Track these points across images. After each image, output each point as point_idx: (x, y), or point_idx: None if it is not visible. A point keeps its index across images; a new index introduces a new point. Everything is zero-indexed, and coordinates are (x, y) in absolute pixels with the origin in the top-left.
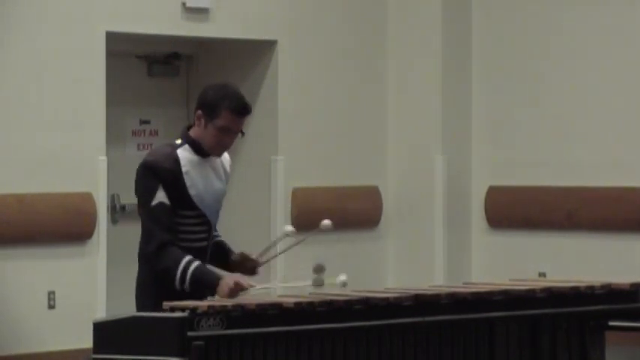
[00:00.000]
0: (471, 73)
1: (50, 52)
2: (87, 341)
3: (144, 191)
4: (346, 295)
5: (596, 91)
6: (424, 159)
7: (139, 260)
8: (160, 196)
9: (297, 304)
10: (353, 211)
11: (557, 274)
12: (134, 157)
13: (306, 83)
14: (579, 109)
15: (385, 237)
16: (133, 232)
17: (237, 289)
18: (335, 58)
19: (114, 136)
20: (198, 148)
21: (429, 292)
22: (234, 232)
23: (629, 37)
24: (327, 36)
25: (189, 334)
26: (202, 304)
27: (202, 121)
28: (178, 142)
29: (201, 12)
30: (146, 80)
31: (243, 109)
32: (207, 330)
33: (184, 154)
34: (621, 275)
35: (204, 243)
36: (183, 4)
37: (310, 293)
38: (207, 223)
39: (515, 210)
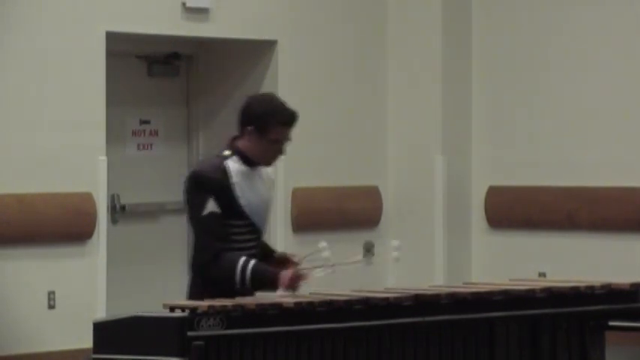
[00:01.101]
0: (471, 73)
1: (50, 52)
2: (87, 341)
3: (194, 203)
4: (346, 295)
5: (596, 91)
6: (424, 159)
7: (191, 268)
8: (211, 206)
9: (297, 304)
10: (353, 211)
11: (557, 274)
12: (134, 157)
13: (306, 83)
14: (579, 110)
15: (385, 237)
16: (133, 232)
17: (298, 278)
18: (335, 58)
19: (114, 136)
20: (246, 159)
21: (429, 292)
22: None
23: (629, 37)
24: (327, 36)
25: (189, 334)
26: (202, 304)
27: (254, 136)
28: (227, 153)
29: (201, 12)
30: (146, 80)
31: (293, 120)
32: (207, 330)
33: (234, 165)
34: (621, 275)
35: (254, 251)
36: (183, 4)
37: (311, 293)
38: (256, 232)
39: (515, 210)
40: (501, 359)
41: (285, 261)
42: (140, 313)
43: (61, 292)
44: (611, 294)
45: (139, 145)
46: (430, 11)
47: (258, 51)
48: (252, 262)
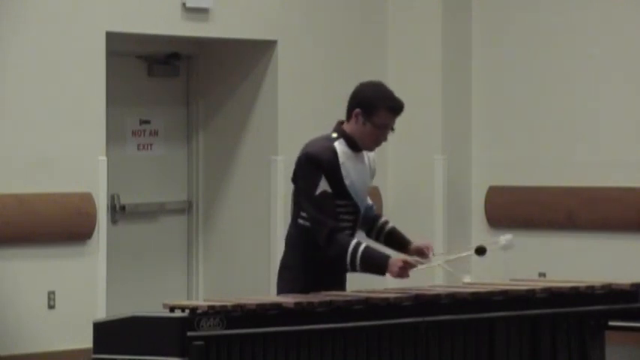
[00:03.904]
0: (471, 73)
1: (50, 52)
2: (87, 341)
3: (307, 181)
4: (346, 295)
5: (596, 91)
6: (424, 159)
7: (286, 244)
8: (323, 185)
9: (297, 304)
10: None
11: (557, 274)
12: (134, 157)
13: (306, 83)
14: (579, 109)
15: None
16: (133, 232)
17: (407, 266)
18: (335, 58)
19: (114, 136)
20: (351, 143)
21: (429, 292)
22: (234, 231)
23: (629, 37)
24: (327, 36)
25: (189, 334)
26: (202, 304)
27: (360, 118)
28: (334, 135)
29: (201, 12)
30: (146, 80)
31: (400, 108)
32: (207, 330)
33: (341, 147)
34: (621, 275)
35: (349, 232)
36: (183, 4)
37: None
38: (356, 213)
39: (515, 210)
40: (501, 359)
41: (417, 253)
42: (140, 313)
43: (61, 292)
44: (611, 294)
45: (139, 145)
46: (430, 11)
47: (258, 51)
48: (363, 245)
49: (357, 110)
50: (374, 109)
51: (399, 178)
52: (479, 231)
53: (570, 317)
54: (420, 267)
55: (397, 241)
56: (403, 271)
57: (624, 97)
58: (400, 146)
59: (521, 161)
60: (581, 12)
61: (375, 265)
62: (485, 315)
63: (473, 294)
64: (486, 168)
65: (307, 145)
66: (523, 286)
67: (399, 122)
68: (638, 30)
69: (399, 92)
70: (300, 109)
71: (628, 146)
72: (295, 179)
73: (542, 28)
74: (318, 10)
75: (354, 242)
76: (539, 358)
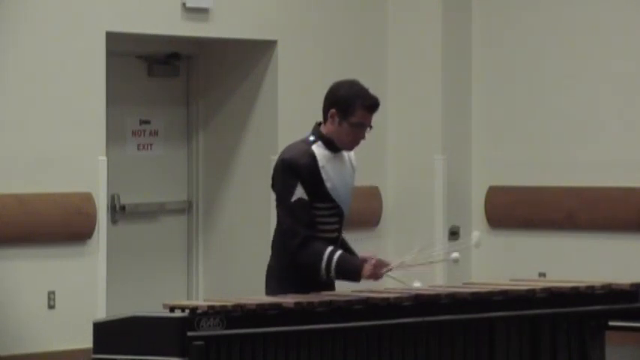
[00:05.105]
0: (471, 74)
1: (50, 52)
2: (87, 341)
3: (283, 188)
4: (346, 295)
5: (596, 91)
6: (424, 159)
7: (271, 248)
8: (299, 193)
9: (297, 304)
10: (353, 211)
11: (557, 274)
12: (134, 157)
13: (306, 83)
14: (579, 110)
15: (385, 237)
16: (133, 232)
17: (380, 265)
18: (335, 58)
19: (114, 136)
20: (330, 144)
21: (429, 292)
22: (234, 231)
23: (629, 37)
24: (327, 36)
25: (189, 334)
26: (202, 304)
27: (336, 118)
28: (311, 138)
29: (201, 12)
30: (146, 80)
31: (375, 105)
32: (207, 330)
33: (319, 150)
34: (621, 275)
35: (336, 234)
36: (183, 4)
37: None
38: (340, 215)
39: (515, 210)
40: (501, 359)
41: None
42: (140, 313)
43: (61, 292)
44: (611, 294)
45: (139, 145)
46: (430, 11)
47: (258, 51)
48: (339, 252)
49: (333, 110)
50: (349, 108)
51: (399, 178)
52: (479, 231)
53: (570, 317)
54: (393, 267)
55: (345, 249)
56: (376, 269)
57: (624, 97)
58: (400, 146)
59: (521, 161)
60: (581, 12)
61: (349, 269)
62: (485, 315)
63: (473, 294)
64: (486, 168)
65: (284, 151)
66: (523, 286)
67: (400, 122)
68: (638, 30)
69: (399, 92)
70: (300, 109)
71: (628, 146)
72: (273, 185)
73: (542, 28)
74: (318, 10)
75: (330, 249)
76: (539, 358)
